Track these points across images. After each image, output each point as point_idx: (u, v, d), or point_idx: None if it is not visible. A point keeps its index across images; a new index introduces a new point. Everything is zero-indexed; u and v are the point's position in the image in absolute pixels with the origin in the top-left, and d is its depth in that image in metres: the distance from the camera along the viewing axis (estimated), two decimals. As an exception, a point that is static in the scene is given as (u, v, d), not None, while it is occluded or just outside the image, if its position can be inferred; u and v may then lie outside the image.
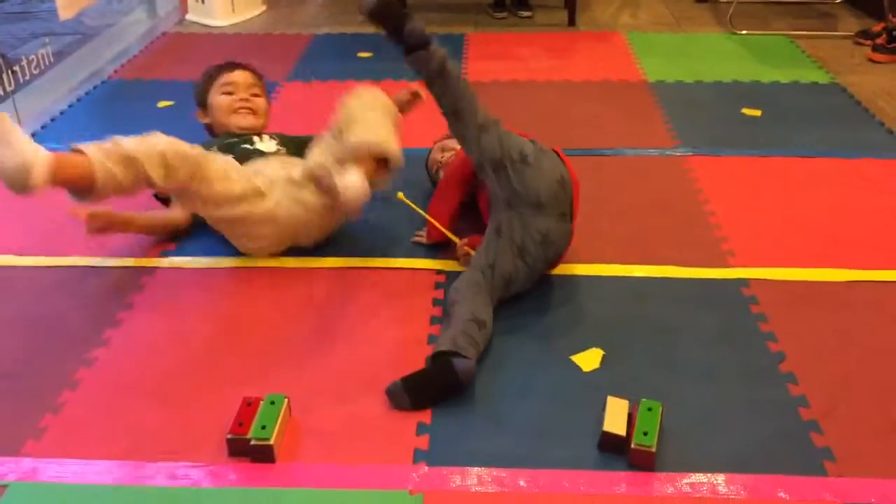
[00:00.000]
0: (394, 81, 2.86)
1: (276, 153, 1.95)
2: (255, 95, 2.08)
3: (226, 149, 1.88)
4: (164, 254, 1.87)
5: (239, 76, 2.07)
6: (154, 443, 1.35)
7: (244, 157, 1.88)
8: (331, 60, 3.13)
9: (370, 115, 1.76)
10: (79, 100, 2.78)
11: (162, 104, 2.71)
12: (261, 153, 1.93)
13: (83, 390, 1.46)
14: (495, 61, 3.10)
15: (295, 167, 1.81)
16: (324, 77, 2.93)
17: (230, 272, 1.81)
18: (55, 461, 1.31)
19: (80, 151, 1.53)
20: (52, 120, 2.61)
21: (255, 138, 1.99)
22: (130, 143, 1.58)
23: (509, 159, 1.62)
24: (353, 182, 1.62)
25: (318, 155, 1.77)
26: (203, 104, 2.09)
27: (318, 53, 3.23)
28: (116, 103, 2.78)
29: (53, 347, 1.57)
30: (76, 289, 1.75)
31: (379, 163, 1.72)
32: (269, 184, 1.76)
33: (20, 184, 1.42)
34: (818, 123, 2.53)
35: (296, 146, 1.99)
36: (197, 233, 1.92)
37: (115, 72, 3.04)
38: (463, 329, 1.49)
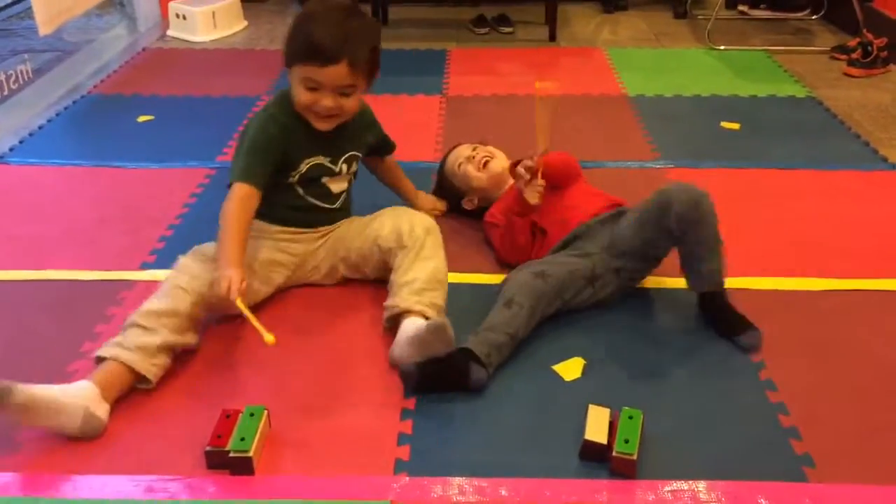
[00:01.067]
0: (375, 96, 2.86)
1: (341, 197, 1.75)
2: (346, 93, 1.59)
3: (305, 183, 1.67)
4: (144, 266, 1.86)
5: (329, 76, 1.54)
6: (131, 456, 1.33)
7: (308, 211, 1.71)
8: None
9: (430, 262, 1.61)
10: (58, 115, 2.77)
11: (142, 119, 2.70)
12: (328, 208, 1.73)
13: (60, 404, 1.44)
14: (477, 76, 3.12)
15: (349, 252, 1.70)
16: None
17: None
18: (30, 475, 1.29)
19: (115, 359, 1.41)
20: (31, 135, 2.60)
21: (343, 167, 1.72)
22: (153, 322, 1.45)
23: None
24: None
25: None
26: (287, 61, 1.61)
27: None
28: (96, 118, 2.76)
29: (31, 361, 1.55)
30: (54, 302, 1.74)
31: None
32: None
33: (95, 431, 1.36)
34: (795, 136, 2.56)
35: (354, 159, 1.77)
36: (176, 245, 1.91)
37: (95, 87, 3.03)
38: (499, 342, 1.50)
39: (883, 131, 2.61)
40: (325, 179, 1.71)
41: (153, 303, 1.49)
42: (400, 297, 1.57)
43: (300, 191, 1.69)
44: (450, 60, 3.32)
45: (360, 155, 1.78)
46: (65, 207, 2.14)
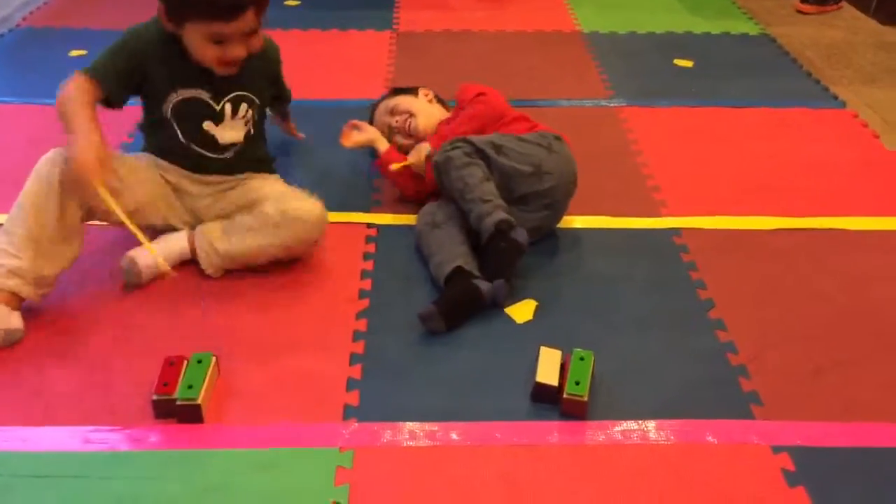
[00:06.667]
0: (321, 31, 2.77)
1: (238, 144, 1.60)
2: (251, 33, 1.49)
3: (179, 116, 1.54)
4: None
5: (237, 26, 1.45)
6: (69, 407, 1.28)
7: (189, 157, 1.58)
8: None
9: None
10: (-15, 49, 2.61)
11: (74, 53, 2.56)
12: (216, 158, 1.59)
13: (-8, 355, 1.38)
14: (428, 11, 3.02)
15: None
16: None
17: (152, 232, 1.72)
18: (-39, 429, 1.24)
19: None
20: (-44, 70, 2.45)
21: (227, 108, 1.56)
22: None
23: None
24: None
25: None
26: (173, 20, 1.47)
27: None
28: (26, 52, 2.61)
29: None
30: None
31: None
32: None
33: (17, 339, 1.40)
34: (748, 74, 2.55)
35: (261, 105, 1.64)
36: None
37: (24, 19, 2.86)
38: (465, 252, 1.54)
39: (834, 69, 2.61)
40: (206, 125, 1.56)
41: (13, 223, 1.41)
42: (207, 228, 1.56)
43: (177, 131, 1.55)
44: (400, -5, 3.21)
45: (253, 99, 1.59)
46: (-7, 147, 2.03)
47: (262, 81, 1.64)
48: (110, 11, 2.92)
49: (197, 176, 1.61)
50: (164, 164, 1.60)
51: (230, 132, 1.58)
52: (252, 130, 1.63)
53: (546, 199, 1.64)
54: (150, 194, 1.57)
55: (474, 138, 1.61)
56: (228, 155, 1.61)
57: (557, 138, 1.70)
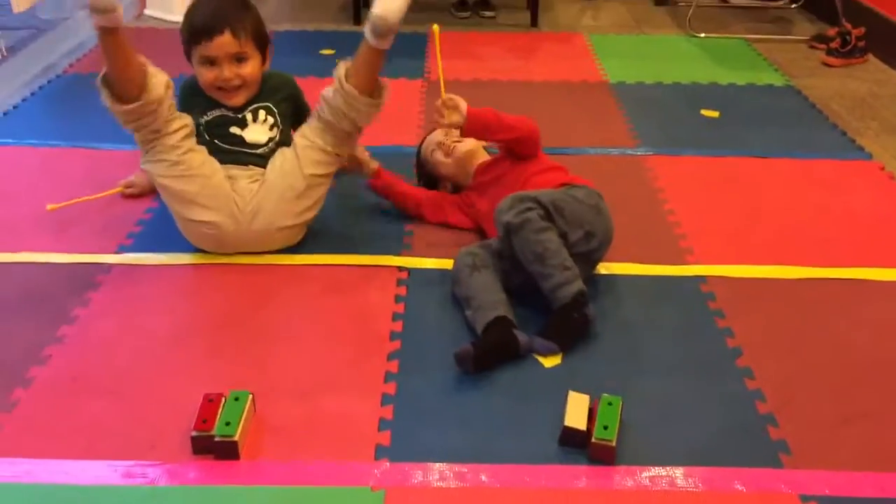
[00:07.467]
0: (356, 79, 2.84)
1: (266, 143, 1.81)
2: (241, 60, 1.78)
3: (211, 130, 1.80)
4: (121, 249, 1.84)
5: (218, 47, 1.74)
6: (110, 441, 1.32)
7: (229, 153, 1.78)
8: (292, 57, 3.10)
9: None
10: (32, 94, 2.72)
11: (119, 99, 2.66)
12: (250, 152, 1.79)
13: (37, 388, 1.43)
14: (458, 60, 3.10)
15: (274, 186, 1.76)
16: (285, 74, 2.90)
17: (188, 269, 1.78)
18: (6, 460, 1.27)
19: None
20: (5, 114, 2.55)
21: (248, 116, 1.82)
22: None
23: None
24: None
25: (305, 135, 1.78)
26: (187, 56, 1.83)
27: (280, 50, 3.12)
28: (71, 98, 2.72)
29: (6, 345, 1.53)
30: (31, 286, 1.71)
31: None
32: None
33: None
34: (774, 125, 2.58)
35: (290, 122, 1.89)
36: (153, 228, 1.89)
37: (70, 66, 2.98)
38: (504, 300, 1.58)
39: (860, 121, 2.64)
40: (233, 129, 1.80)
41: None
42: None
43: (206, 136, 1.80)
44: (431, 44, 3.30)
45: (269, 106, 1.85)
46: (40, 189, 2.10)
47: (277, 95, 1.88)
48: (153, 57, 3.00)
49: (238, 167, 1.79)
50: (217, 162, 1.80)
51: (255, 134, 1.82)
52: (281, 128, 1.85)
53: (589, 258, 1.68)
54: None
55: (542, 198, 1.59)
56: (263, 150, 1.81)
57: (600, 196, 1.75)
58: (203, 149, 1.77)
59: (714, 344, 1.58)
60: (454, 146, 1.96)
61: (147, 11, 3.63)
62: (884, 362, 1.54)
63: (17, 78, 2.82)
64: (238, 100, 1.81)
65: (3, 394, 1.41)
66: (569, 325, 1.53)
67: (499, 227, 1.60)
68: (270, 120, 1.84)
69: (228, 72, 1.76)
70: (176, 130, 1.71)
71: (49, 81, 2.83)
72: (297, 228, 1.82)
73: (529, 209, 1.57)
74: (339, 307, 1.66)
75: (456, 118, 1.76)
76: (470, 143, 1.96)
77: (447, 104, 1.76)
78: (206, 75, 1.78)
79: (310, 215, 1.81)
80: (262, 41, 1.82)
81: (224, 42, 1.74)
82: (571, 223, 1.62)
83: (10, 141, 2.37)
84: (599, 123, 2.57)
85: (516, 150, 1.86)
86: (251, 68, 1.79)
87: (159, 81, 1.68)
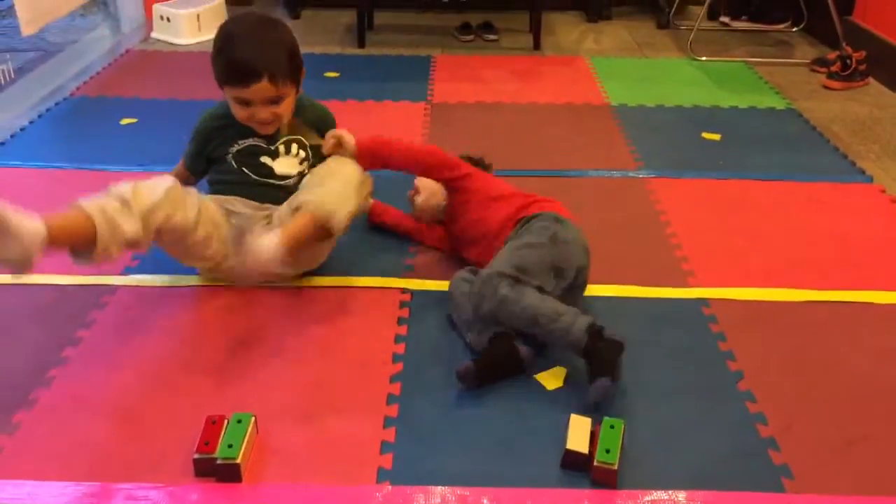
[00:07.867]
0: (358, 102, 2.88)
1: (295, 176, 1.76)
2: (277, 102, 1.70)
3: (241, 159, 1.76)
4: (126, 271, 1.85)
5: (254, 92, 1.66)
6: (113, 463, 1.32)
7: (255, 185, 1.75)
8: (297, 80, 3.14)
9: (333, 181, 1.66)
10: (40, 116, 2.74)
11: (125, 121, 2.69)
12: (277, 184, 1.75)
13: (40, 410, 1.44)
14: (462, 83, 3.13)
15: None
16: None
17: (193, 291, 1.79)
18: (9, 482, 1.28)
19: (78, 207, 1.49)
20: (12, 136, 2.57)
21: (281, 148, 1.77)
22: (129, 189, 1.54)
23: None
24: (261, 245, 1.52)
25: (284, 205, 1.71)
26: (219, 86, 1.74)
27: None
28: (79, 120, 2.74)
29: (9, 366, 1.54)
30: (35, 307, 1.72)
31: (320, 229, 1.61)
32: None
33: (22, 267, 1.40)
34: (775, 148, 2.60)
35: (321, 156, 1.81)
36: (159, 250, 1.90)
37: (78, 88, 3.01)
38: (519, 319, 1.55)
39: (861, 144, 2.65)
40: (263, 158, 1.77)
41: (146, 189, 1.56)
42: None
43: (234, 165, 1.76)
44: (435, 67, 3.33)
45: (303, 141, 1.80)
46: (47, 210, 2.10)
47: (311, 129, 1.82)
48: (159, 81, 3.06)
49: (256, 203, 1.76)
50: (229, 197, 1.76)
51: (284, 167, 1.78)
52: (311, 162, 1.80)
53: (572, 289, 1.67)
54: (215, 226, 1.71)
55: (502, 269, 1.56)
56: (290, 182, 1.77)
57: (557, 220, 1.69)
58: (216, 209, 1.71)
59: (716, 367, 1.59)
60: (413, 199, 1.98)
61: (153, 35, 3.67)
62: (886, 386, 1.54)
63: (25, 100, 2.85)
64: (271, 129, 1.75)
65: (5, 415, 1.41)
66: (602, 357, 1.46)
67: (486, 317, 1.57)
68: (302, 154, 1.79)
69: (264, 113, 1.69)
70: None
71: (56, 104, 2.85)
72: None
73: (497, 286, 1.53)
74: (341, 329, 1.67)
75: (341, 150, 1.76)
76: (425, 193, 1.95)
77: (331, 137, 1.76)
78: (239, 112, 1.71)
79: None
80: (297, 73, 1.74)
81: (261, 88, 1.64)
82: (539, 274, 1.58)
83: (18, 163, 2.39)
84: (601, 146, 2.59)
85: (432, 177, 1.87)
86: (286, 106, 1.72)
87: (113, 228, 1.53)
